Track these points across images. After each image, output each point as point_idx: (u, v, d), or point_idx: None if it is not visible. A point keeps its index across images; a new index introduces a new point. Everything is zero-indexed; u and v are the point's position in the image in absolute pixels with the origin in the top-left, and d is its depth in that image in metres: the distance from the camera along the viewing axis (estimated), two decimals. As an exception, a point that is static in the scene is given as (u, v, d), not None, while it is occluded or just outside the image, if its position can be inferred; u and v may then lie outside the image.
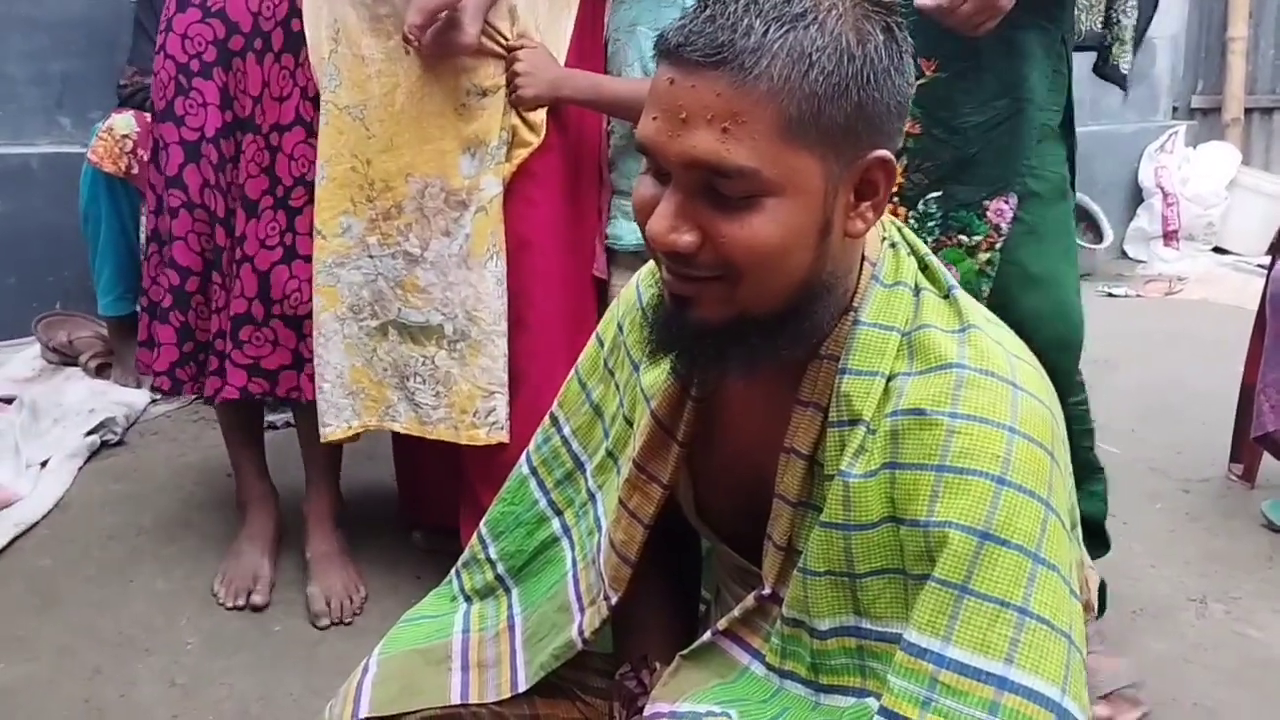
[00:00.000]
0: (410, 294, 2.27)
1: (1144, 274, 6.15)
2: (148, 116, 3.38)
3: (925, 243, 1.96)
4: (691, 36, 0.96)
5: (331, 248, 2.28)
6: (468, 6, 2.10)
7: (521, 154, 2.24)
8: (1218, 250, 6.65)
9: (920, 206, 2.04)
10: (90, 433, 3.08)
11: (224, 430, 2.59)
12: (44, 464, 2.93)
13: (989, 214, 2.01)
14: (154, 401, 3.41)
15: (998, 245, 2.01)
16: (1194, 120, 7.07)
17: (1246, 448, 3.29)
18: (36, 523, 2.71)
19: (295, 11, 2.25)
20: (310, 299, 2.30)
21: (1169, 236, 6.42)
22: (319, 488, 2.54)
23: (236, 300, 2.31)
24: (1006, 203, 2.00)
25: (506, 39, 2.20)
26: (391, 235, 2.26)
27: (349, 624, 2.37)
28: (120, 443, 3.17)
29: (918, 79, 1.93)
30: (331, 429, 2.33)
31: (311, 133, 2.28)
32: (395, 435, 2.50)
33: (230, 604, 2.42)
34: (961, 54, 1.92)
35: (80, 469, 2.97)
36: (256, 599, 2.42)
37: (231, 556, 2.51)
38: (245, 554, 2.50)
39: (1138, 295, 5.76)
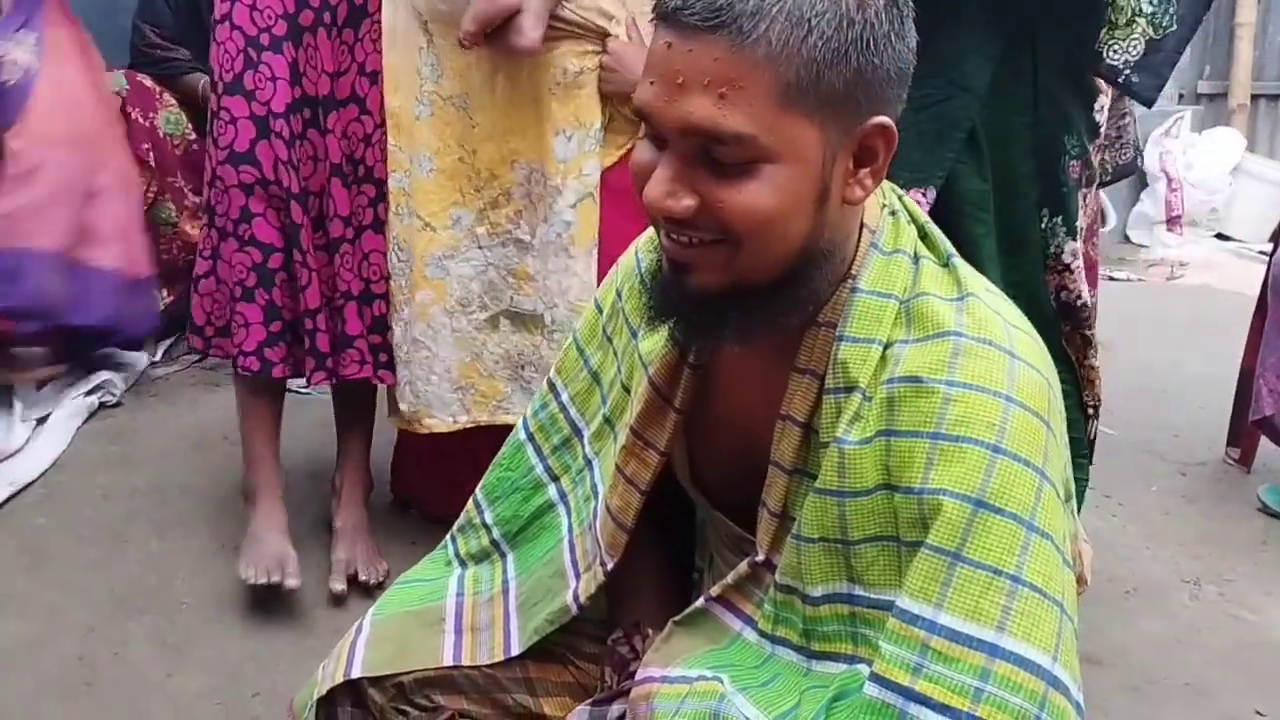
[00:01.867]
0: (522, 281, 2.27)
1: (1146, 258, 6.16)
2: (140, 77, 3.39)
3: None
4: (690, 0, 0.95)
5: (442, 240, 2.28)
6: (530, 8, 2.07)
7: (623, 142, 2.22)
8: (1220, 236, 6.65)
9: None
10: (88, 393, 3.08)
11: (245, 413, 2.46)
12: (40, 422, 2.92)
13: None
14: (153, 364, 3.41)
15: None
16: (1200, 105, 7.06)
17: (1244, 432, 3.29)
18: (32, 482, 2.71)
19: None
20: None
21: (1172, 222, 6.41)
22: (355, 465, 2.52)
23: (356, 280, 2.34)
24: (924, 195, 1.89)
25: (603, 24, 2.17)
26: (501, 224, 2.25)
27: (380, 585, 2.33)
28: (118, 404, 3.16)
29: None
30: (436, 421, 2.35)
31: (365, 110, 2.29)
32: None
33: (264, 580, 2.28)
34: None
35: (78, 429, 2.97)
36: (291, 582, 2.30)
37: (253, 542, 2.37)
38: (267, 540, 2.37)
39: (1139, 279, 5.77)
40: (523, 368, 2.30)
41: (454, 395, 2.34)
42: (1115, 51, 1.97)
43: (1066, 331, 2.08)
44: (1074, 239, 2.05)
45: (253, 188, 2.26)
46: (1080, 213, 2.08)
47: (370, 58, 2.27)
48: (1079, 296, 2.07)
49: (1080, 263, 2.09)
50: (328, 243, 2.33)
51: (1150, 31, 1.95)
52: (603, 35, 2.17)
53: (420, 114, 2.24)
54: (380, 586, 2.34)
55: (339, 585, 2.35)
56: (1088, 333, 2.09)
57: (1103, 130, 2.08)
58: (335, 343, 2.36)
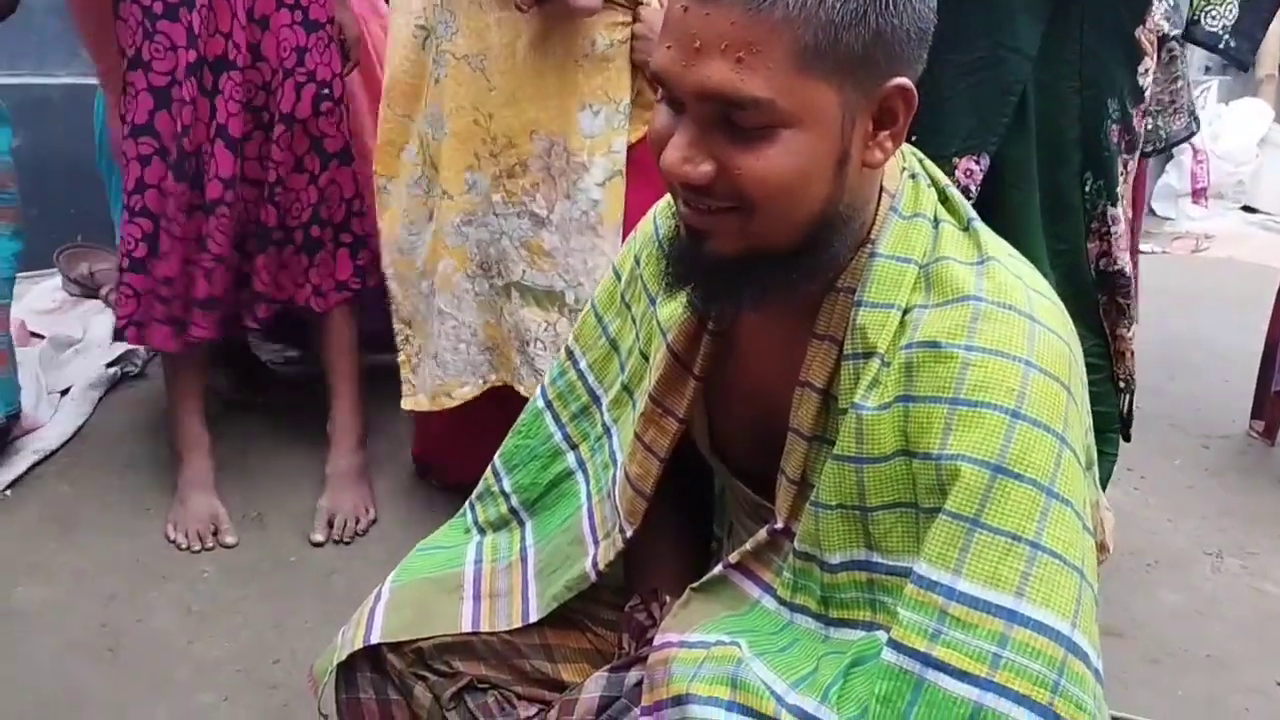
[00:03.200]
0: (536, 256, 2.20)
1: (1171, 231, 6.10)
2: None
3: None
4: None
5: (459, 206, 2.22)
6: None
7: (649, 117, 2.11)
8: (1246, 209, 6.58)
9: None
10: (111, 364, 3.09)
11: (169, 376, 2.56)
12: (64, 393, 2.94)
13: (958, 173, 1.87)
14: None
15: None
16: (1226, 76, 6.97)
17: (1268, 405, 3.27)
18: (57, 450, 2.73)
19: None
20: (311, 214, 2.38)
21: (1197, 194, 6.35)
22: (345, 405, 2.56)
23: (227, 241, 2.33)
24: (977, 163, 1.86)
25: None
26: (516, 194, 2.18)
27: (348, 543, 2.42)
28: (141, 374, 3.17)
29: None
30: (467, 389, 2.32)
31: (259, 57, 2.27)
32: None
33: (197, 548, 2.39)
34: None
35: (100, 399, 2.98)
36: (228, 539, 2.41)
37: (179, 504, 2.47)
38: (193, 499, 2.46)
39: (1164, 252, 5.72)
40: (528, 343, 2.25)
41: (483, 357, 2.31)
42: (1213, 18, 1.92)
43: (1103, 301, 2.06)
44: (1114, 205, 2.02)
45: (150, 159, 2.29)
46: (1121, 179, 2.05)
47: (259, 2, 2.26)
48: (1115, 262, 2.05)
49: (1122, 228, 2.06)
50: (204, 204, 2.32)
51: None
52: (636, 3, 2.11)
53: (439, 75, 2.18)
54: (359, 536, 2.45)
55: (317, 535, 2.42)
56: (1123, 301, 2.06)
57: (1148, 95, 2.04)
58: (198, 303, 2.37)
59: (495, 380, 2.33)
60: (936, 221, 1.08)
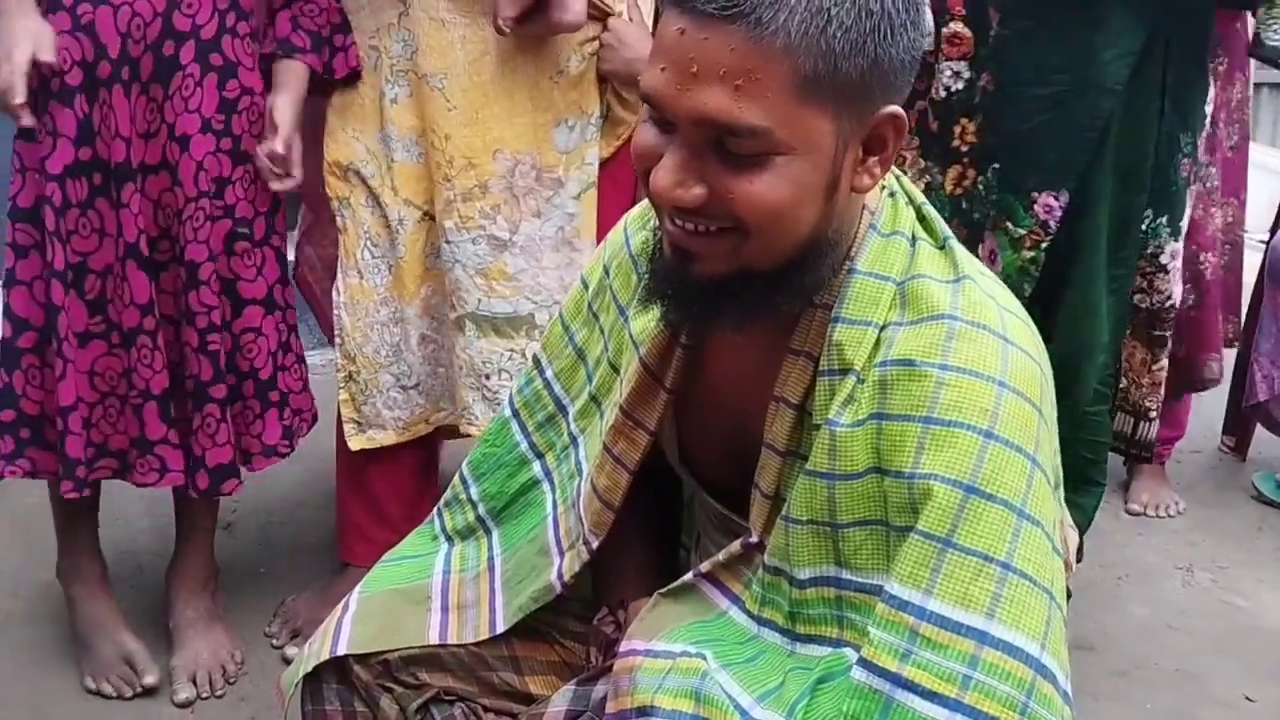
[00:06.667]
0: (496, 282, 2.07)
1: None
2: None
3: (986, 216, 1.89)
4: None
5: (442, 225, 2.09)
6: None
7: (621, 132, 2.11)
8: (1222, 224, 6.61)
9: (987, 173, 1.87)
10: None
11: (58, 504, 2.10)
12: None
13: (1036, 208, 1.84)
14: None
15: (1043, 244, 1.84)
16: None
17: (1239, 421, 3.28)
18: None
19: (170, 32, 1.88)
20: (227, 364, 2.02)
21: (1174, 209, 6.39)
22: (193, 549, 2.18)
23: (160, 377, 1.95)
24: (1056, 199, 1.83)
25: (609, 3, 2.05)
26: (473, 218, 2.05)
27: (220, 696, 2.07)
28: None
29: (989, 31, 1.81)
30: (443, 413, 2.21)
31: (176, 180, 1.93)
32: (344, 471, 2.27)
33: (128, 694, 2.05)
34: (1025, 9, 1.76)
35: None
36: (149, 680, 2.05)
37: (87, 647, 2.09)
38: (107, 639, 2.09)
39: (1138, 267, 5.75)
40: (488, 376, 2.09)
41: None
42: (1275, 33, 1.90)
43: (1126, 334, 2.04)
44: (1176, 239, 1.99)
45: (27, 251, 1.94)
46: (1185, 211, 2.03)
47: (182, 119, 1.92)
48: (1169, 298, 2.02)
49: (1178, 264, 2.03)
50: (120, 333, 1.95)
51: None
52: (605, 15, 2.06)
53: (395, 95, 2.05)
54: (230, 685, 2.10)
55: (182, 694, 2.05)
56: (1164, 333, 2.04)
57: (1207, 121, 2.02)
58: (133, 443, 2.00)
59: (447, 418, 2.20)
60: (914, 239, 1.08)
